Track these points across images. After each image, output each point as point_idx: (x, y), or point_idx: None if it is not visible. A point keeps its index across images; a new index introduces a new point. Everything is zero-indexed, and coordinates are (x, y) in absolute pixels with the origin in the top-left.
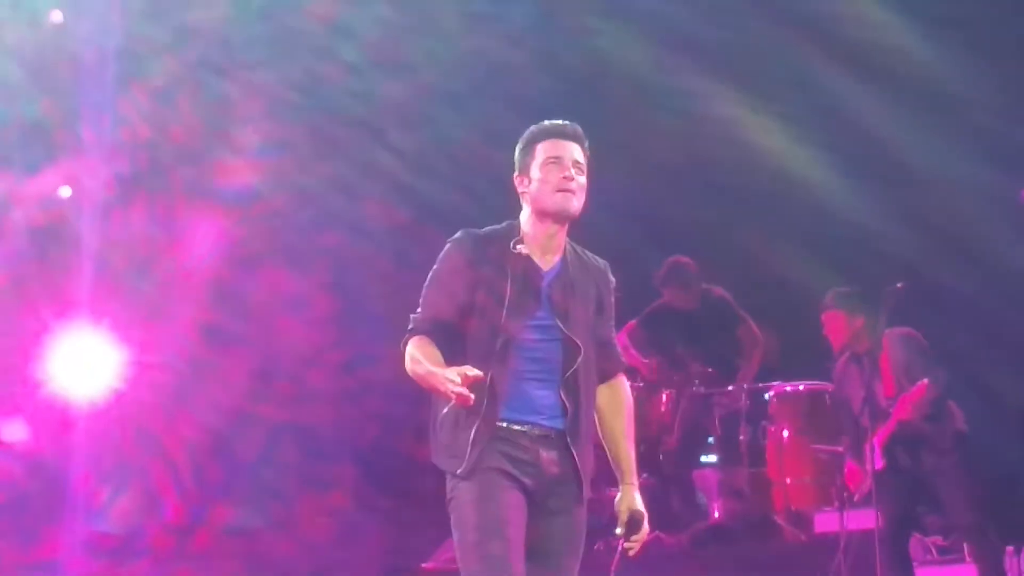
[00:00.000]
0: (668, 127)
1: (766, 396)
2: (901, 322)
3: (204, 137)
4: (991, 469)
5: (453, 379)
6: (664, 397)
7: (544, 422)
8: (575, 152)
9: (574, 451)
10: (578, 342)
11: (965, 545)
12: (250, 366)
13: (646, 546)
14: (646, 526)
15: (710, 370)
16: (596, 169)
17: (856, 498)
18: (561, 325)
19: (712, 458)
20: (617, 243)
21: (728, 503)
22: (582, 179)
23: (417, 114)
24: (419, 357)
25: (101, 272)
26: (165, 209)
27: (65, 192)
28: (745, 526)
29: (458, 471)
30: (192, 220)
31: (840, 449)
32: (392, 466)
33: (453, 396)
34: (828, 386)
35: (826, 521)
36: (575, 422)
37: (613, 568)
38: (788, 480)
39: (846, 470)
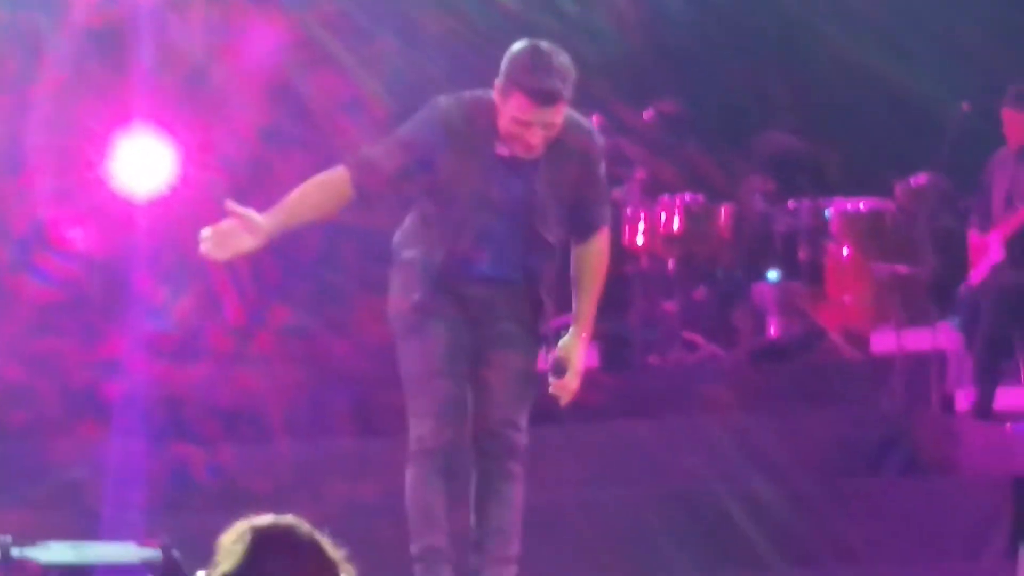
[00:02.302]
0: None
1: (827, 213)
2: None
3: None
4: None
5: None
6: (723, 212)
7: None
8: (549, 115)
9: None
10: (549, 239)
11: None
12: (308, 168)
13: (700, 361)
14: (572, 379)
15: (771, 185)
16: None
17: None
18: (533, 221)
19: (771, 274)
20: None
21: (786, 320)
22: (552, 132)
23: None
24: (297, 191)
25: (160, 73)
26: (222, 11)
27: None
28: (802, 343)
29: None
30: (250, 22)
31: (900, 270)
32: None
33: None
34: (890, 205)
35: (883, 341)
36: (531, 278)
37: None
38: (847, 298)
39: (970, 243)
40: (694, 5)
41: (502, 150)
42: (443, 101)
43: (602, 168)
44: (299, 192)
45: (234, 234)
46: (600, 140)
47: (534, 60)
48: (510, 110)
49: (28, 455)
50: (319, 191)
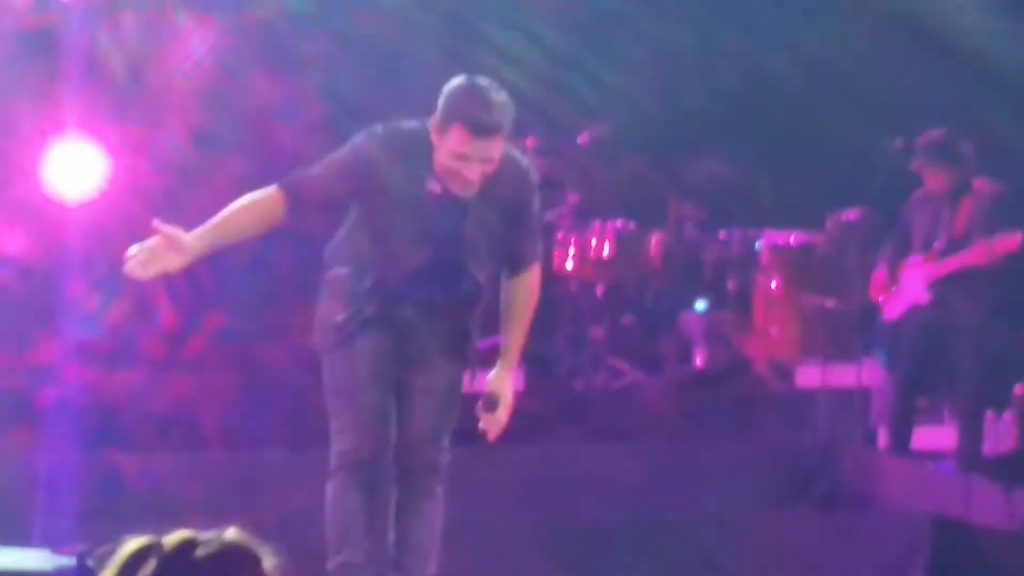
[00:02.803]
0: None
1: (757, 244)
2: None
3: None
4: None
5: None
6: (654, 239)
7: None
8: (487, 150)
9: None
10: (479, 279)
11: (947, 407)
12: (241, 173)
13: (625, 389)
14: (502, 413)
15: (702, 213)
16: None
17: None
18: (463, 259)
19: (699, 303)
20: None
21: (711, 349)
22: (490, 167)
23: None
24: (229, 208)
25: (92, 78)
26: (155, 14)
27: None
28: (727, 373)
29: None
30: (182, 27)
31: (828, 303)
32: None
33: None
34: (821, 238)
35: (808, 374)
36: (458, 304)
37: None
38: (773, 330)
39: (875, 278)
40: (627, 27)
41: (434, 187)
42: (379, 130)
43: (535, 204)
44: (230, 211)
45: (160, 252)
46: (534, 177)
47: (472, 94)
48: (448, 143)
49: None
50: (251, 212)
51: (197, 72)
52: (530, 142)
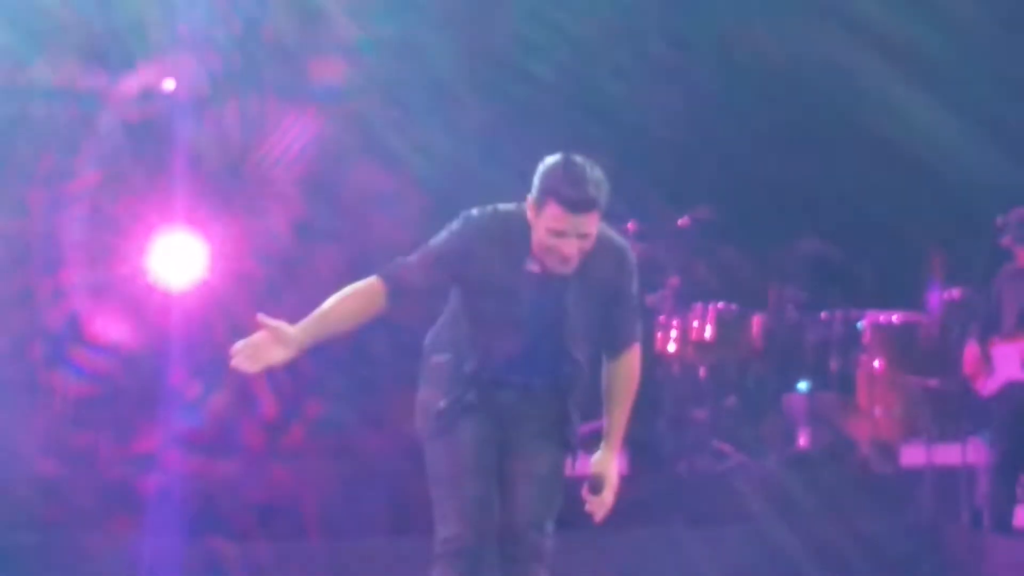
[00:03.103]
0: None
1: (859, 325)
2: None
3: (297, 35)
4: None
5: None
6: (755, 321)
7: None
8: (584, 225)
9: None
10: (577, 357)
11: None
12: (341, 262)
13: (729, 471)
14: (608, 495)
15: (803, 295)
16: None
17: (977, 383)
18: (563, 340)
19: (802, 384)
20: None
21: (815, 430)
22: (587, 244)
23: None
24: (334, 298)
25: (195, 168)
26: (258, 106)
27: (169, 85)
28: (831, 454)
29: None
30: (284, 117)
31: (932, 383)
32: None
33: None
34: (922, 317)
35: (913, 454)
36: (559, 387)
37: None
38: (877, 410)
39: (967, 355)
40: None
41: (533, 266)
42: (476, 214)
43: (634, 285)
44: (332, 303)
45: (266, 347)
46: (632, 258)
47: (568, 170)
48: (544, 221)
49: (62, 549)
50: (353, 303)
51: (298, 162)
52: (631, 226)
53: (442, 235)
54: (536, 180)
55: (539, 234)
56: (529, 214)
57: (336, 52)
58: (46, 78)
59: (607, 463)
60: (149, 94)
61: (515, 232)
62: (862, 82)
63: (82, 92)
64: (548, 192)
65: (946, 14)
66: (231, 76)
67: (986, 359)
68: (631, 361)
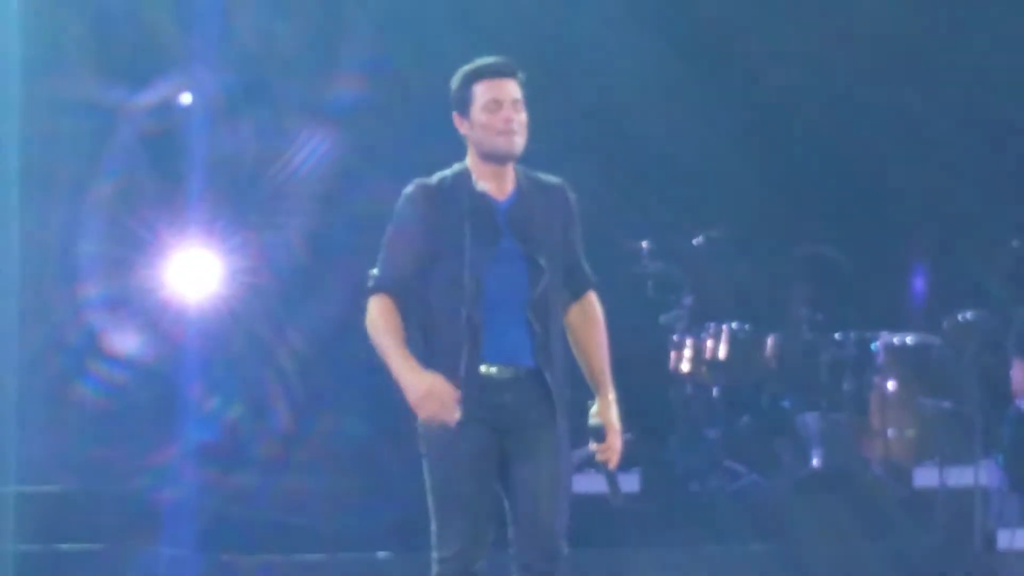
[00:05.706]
0: None
1: (873, 346)
2: None
3: (312, 49)
4: None
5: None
6: (769, 341)
7: (520, 361)
8: (513, 90)
9: (548, 379)
10: (542, 263)
11: None
12: (356, 276)
13: (742, 491)
14: (613, 439)
15: (818, 316)
16: None
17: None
18: (523, 248)
19: (815, 405)
20: None
21: (829, 451)
22: (523, 116)
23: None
24: (383, 328)
25: (211, 182)
26: (274, 120)
27: (186, 99)
28: (844, 475)
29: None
30: (300, 131)
31: (945, 404)
32: None
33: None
34: (936, 339)
35: (926, 476)
36: (545, 350)
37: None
38: (890, 432)
39: (1015, 373)
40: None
41: (482, 185)
42: (410, 185)
43: (578, 223)
44: (393, 333)
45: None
46: (573, 194)
47: (476, 60)
48: (478, 105)
49: (79, 562)
50: (394, 321)
51: (314, 176)
52: (645, 244)
53: (393, 221)
54: (455, 90)
55: (478, 122)
56: (461, 128)
57: (351, 66)
58: (63, 92)
59: (605, 409)
60: (166, 108)
61: (451, 174)
62: (878, 102)
63: (99, 106)
64: (470, 79)
65: (959, 33)
66: (247, 90)
67: None
68: (595, 303)
